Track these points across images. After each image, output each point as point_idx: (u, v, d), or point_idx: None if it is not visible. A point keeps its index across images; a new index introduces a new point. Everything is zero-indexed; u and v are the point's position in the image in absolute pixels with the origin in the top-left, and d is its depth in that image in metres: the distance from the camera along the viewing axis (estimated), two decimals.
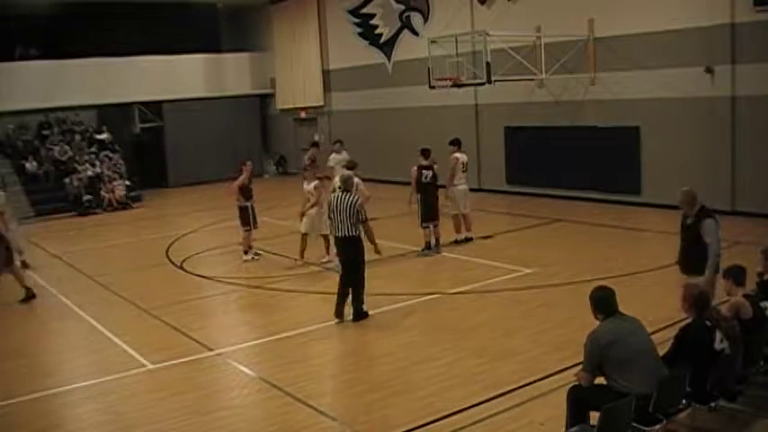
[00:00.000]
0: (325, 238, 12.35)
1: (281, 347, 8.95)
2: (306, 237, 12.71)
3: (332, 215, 9.56)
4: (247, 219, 13.58)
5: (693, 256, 7.32)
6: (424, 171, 13.12)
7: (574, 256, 12.45)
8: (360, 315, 9.58)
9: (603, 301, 5.50)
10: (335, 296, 9.66)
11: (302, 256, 12.78)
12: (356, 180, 12.54)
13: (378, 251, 9.90)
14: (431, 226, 13.23)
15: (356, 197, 9.63)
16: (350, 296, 9.62)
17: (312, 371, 8.17)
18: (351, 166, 13.12)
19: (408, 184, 13.78)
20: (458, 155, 13.70)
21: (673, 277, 10.04)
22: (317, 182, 12.75)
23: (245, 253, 13.72)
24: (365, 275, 9.64)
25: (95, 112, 26.14)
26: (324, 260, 12.70)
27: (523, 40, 17.11)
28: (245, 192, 13.63)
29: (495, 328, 9.02)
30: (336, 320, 9.54)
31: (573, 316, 8.74)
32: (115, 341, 9.50)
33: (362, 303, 9.61)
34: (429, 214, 13.15)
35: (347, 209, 9.36)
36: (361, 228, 9.50)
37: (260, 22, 28.76)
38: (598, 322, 5.51)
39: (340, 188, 9.89)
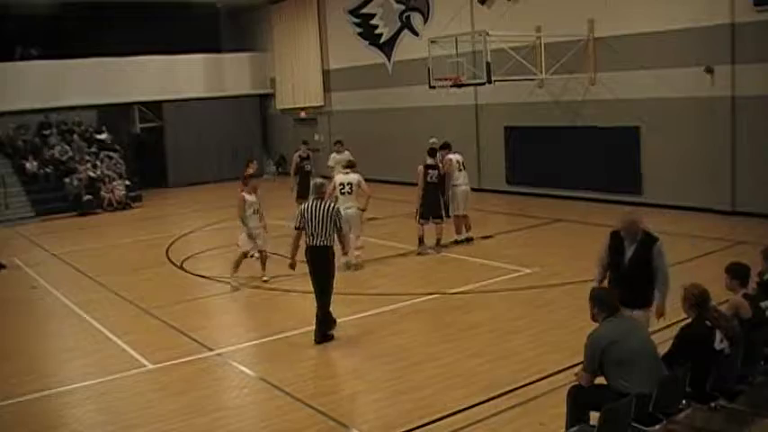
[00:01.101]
0: (262, 254, 11.87)
1: (281, 347, 8.95)
2: (245, 256, 11.85)
3: (307, 224, 8.83)
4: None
5: (642, 286, 6.50)
6: (429, 171, 13.16)
7: (574, 256, 12.44)
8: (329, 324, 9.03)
9: (604, 301, 5.51)
10: (315, 320, 8.93)
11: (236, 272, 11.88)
12: (358, 177, 12.57)
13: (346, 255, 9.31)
14: (430, 223, 13.22)
15: (333, 204, 9.17)
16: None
17: (312, 371, 8.18)
18: (350, 165, 13.09)
19: (414, 185, 13.74)
20: (450, 156, 13.74)
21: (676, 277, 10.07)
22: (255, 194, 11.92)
23: None
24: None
25: (95, 112, 26.15)
26: (264, 279, 11.90)
27: (523, 40, 17.10)
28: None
29: (495, 328, 9.01)
30: (330, 338, 8.93)
31: (573, 316, 8.74)
32: (115, 341, 9.51)
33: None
34: (428, 212, 13.16)
35: (325, 216, 8.76)
36: (337, 235, 8.92)
37: (260, 22, 28.77)
38: (598, 322, 5.52)
39: (314, 196, 9.13)
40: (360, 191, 12.55)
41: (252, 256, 12.28)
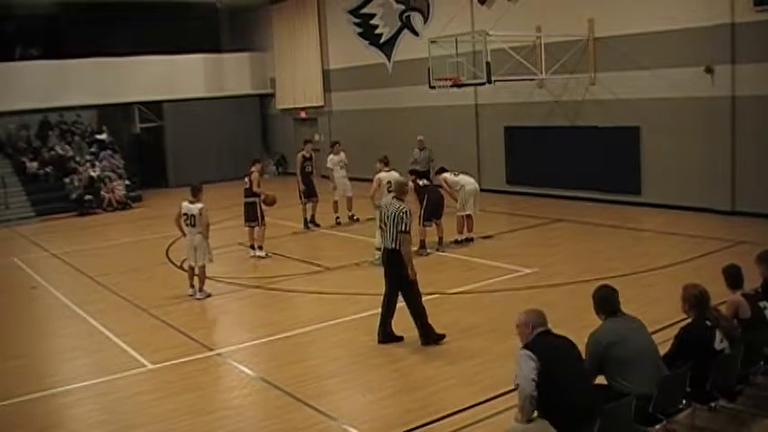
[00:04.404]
0: (192, 269, 11.36)
1: (281, 347, 8.95)
2: (192, 269, 11.38)
3: (382, 225, 8.63)
4: (261, 215, 13.79)
5: None
6: (419, 181, 13.41)
7: (574, 256, 12.45)
8: (429, 336, 8.46)
9: (606, 301, 5.50)
10: (378, 317, 8.70)
11: (193, 286, 11.43)
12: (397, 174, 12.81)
13: (412, 275, 8.41)
14: (432, 224, 13.28)
15: (402, 205, 8.48)
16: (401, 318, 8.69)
17: (312, 371, 8.17)
18: (387, 162, 13.35)
19: None
20: (445, 174, 13.83)
21: (676, 277, 10.09)
22: (201, 205, 11.44)
23: (260, 249, 13.85)
24: (419, 291, 8.57)
25: (95, 112, 26.15)
26: (199, 296, 11.28)
27: (523, 40, 17.10)
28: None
29: (495, 328, 9.00)
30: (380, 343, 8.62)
31: (573, 316, 8.71)
32: (115, 341, 9.50)
33: (427, 320, 8.48)
34: (432, 213, 13.20)
35: (393, 217, 8.35)
36: (401, 239, 8.34)
37: (260, 22, 28.76)
38: (600, 321, 5.51)
39: (392, 194, 8.82)
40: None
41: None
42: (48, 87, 23.68)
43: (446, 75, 16.53)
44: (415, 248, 13.17)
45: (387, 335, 8.69)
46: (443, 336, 8.58)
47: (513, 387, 6.74)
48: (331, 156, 16.93)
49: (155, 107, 26.51)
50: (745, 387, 6.03)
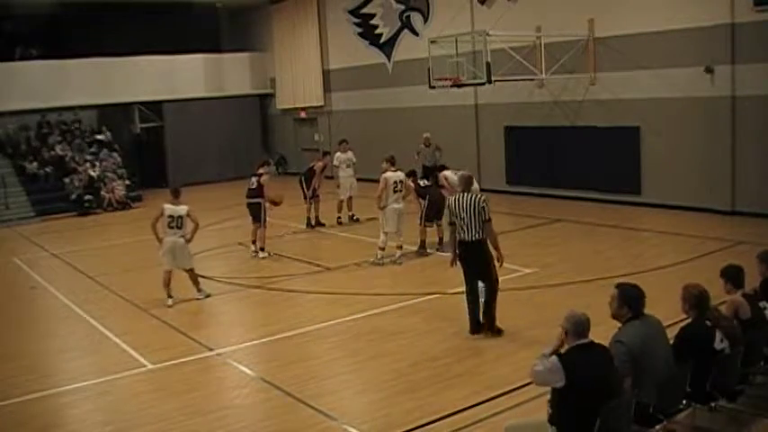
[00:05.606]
0: (191, 270, 11.15)
1: (281, 347, 8.95)
2: (170, 273, 10.96)
3: (456, 219, 8.61)
4: (264, 216, 13.83)
5: None
6: (420, 181, 13.47)
7: (574, 256, 12.45)
8: (492, 325, 8.71)
9: (635, 301, 5.27)
10: (467, 313, 8.82)
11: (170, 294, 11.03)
12: (403, 174, 12.85)
13: (500, 260, 8.69)
14: (433, 225, 13.29)
15: (479, 195, 8.71)
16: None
17: (312, 371, 8.17)
18: (393, 161, 13.17)
19: None
20: (446, 173, 13.83)
21: (676, 277, 10.08)
22: (187, 206, 11.05)
23: (262, 250, 13.87)
24: (498, 278, 8.74)
25: (95, 112, 26.16)
26: (199, 296, 11.21)
27: (523, 40, 17.11)
28: (261, 189, 13.90)
29: None
30: (475, 336, 8.73)
31: None
32: (115, 341, 9.50)
33: (495, 307, 8.70)
34: (432, 214, 13.22)
35: (473, 209, 8.44)
36: (486, 228, 8.51)
37: (260, 22, 28.77)
38: (620, 322, 5.38)
39: (460, 189, 8.91)
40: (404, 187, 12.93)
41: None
42: (48, 87, 23.68)
43: (446, 75, 16.55)
44: (414, 248, 13.30)
45: (478, 324, 8.79)
46: (502, 330, 8.71)
47: (517, 386, 6.77)
48: (338, 153, 16.92)
49: (155, 107, 26.51)
50: (745, 387, 6.03)
